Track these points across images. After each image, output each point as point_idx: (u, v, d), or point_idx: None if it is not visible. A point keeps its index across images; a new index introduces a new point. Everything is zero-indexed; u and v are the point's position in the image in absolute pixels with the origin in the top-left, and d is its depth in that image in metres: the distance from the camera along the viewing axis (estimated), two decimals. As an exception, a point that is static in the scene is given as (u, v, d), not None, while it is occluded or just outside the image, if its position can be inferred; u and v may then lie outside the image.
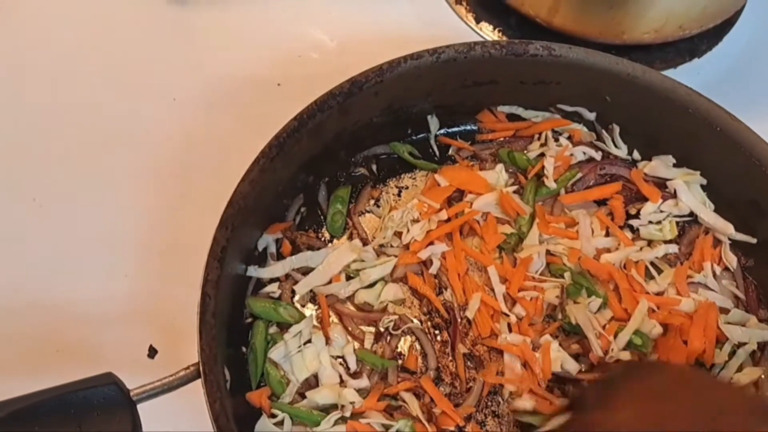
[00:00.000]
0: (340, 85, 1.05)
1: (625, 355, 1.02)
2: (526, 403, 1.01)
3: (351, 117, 1.09)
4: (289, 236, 1.11)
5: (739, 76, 1.36)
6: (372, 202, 1.16)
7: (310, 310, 1.08)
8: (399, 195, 1.17)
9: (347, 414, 0.99)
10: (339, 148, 1.13)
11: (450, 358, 1.06)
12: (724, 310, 1.07)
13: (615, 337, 1.03)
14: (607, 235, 1.12)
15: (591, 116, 1.17)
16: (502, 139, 1.20)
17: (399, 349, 1.06)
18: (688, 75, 1.35)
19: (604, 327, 1.03)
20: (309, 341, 1.04)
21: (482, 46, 1.09)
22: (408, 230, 1.10)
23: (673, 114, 1.09)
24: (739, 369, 1.04)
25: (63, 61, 1.34)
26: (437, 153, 1.20)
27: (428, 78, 1.11)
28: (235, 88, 1.33)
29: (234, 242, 0.98)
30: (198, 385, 0.88)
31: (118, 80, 1.33)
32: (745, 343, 1.04)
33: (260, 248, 1.09)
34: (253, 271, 1.07)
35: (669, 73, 1.34)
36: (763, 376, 1.03)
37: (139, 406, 0.87)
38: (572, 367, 1.03)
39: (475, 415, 1.03)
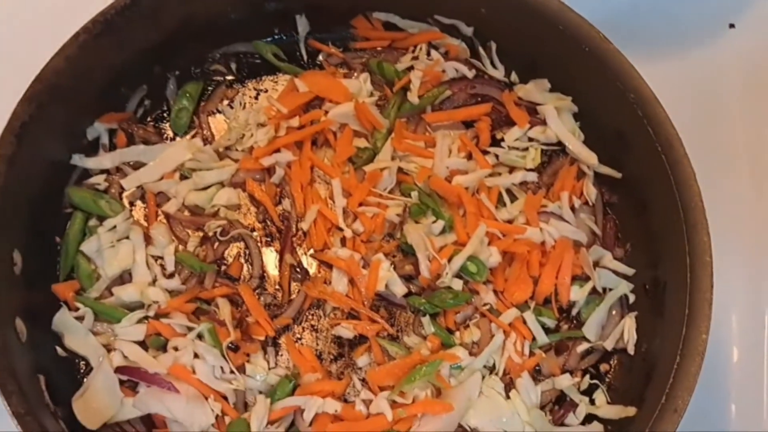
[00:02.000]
0: (183, -38, 0.97)
1: (458, 284, 0.96)
2: (345, 330, 0.96)
3: (199, 3, 1.01)
4: (125, 128, 1.04)
5: (650, 11, 1.26)
6: (226, 102, 1.09)
7: (138, 209, 1.02)
8: (256, 98, 1.10)
9: (151, 313, 0.94)
10: (190, 39, 1.05)
11: (277, 268, 1.00)
12: (578, 244, 1.00)
13: (449, 261, 0.96)
14: (470, 158, 1.05)
15: (468, 31, 1.08)
16: (377, 49, 1.12)
17: (226, 257, 1.00)
18: (595, 3, 1.25)
19: (441, 250, 0.97)
20: (126, 237, 0.98)
21: (350, -61, 1.01)
22: (252, 134, 1.04)
23: (546, 32, 1.00)
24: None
25: None
26: (305, 57, 1.12)
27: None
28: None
29: (45, 122, 0.92)
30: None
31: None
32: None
33: (90, 137, 1.02)
34: (78, 160, 1.00)
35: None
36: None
37: None
38: (399, 289, 0.97)
39: (293, 328, 0.97)
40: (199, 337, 0.93)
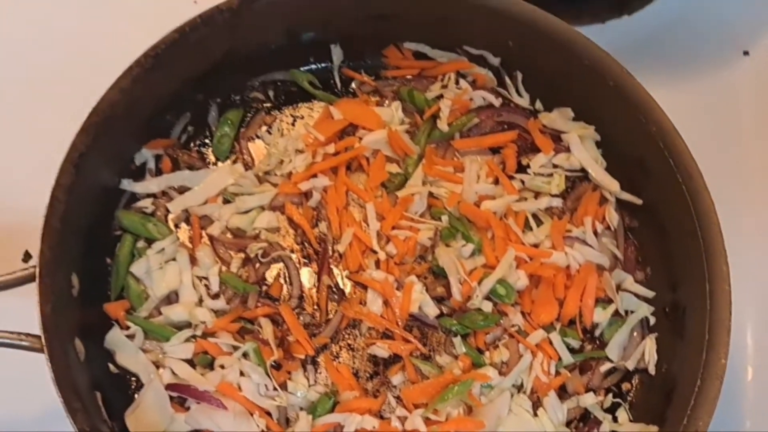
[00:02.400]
0: (229, 1, 1.02)
1: (487, 305, 1.01)
2: (380, 349, 1.01)
3: (243, 36, 1.06)
4: (171, 154, 1.09)
5: (668, 39, 1.31)
6: (265, 128, 1.14)
7: (183, 231, 1.07)
8: (293, 124, 1.15)
9: (198, 333, 0.99)
10: (232, 69, 1.10)
11: (315, 289, 1.05)
12: (601, 267, 1.06)
13: (479, 283, 1.01)
14: (497, 183, 1.10)
15: (495, 61, 1.13)
16: (407, 77, 1.17)
17: (267, 278, 1.06)
18: (615, 32, 1.30)
19: (471, 273, 1.02)
20: (173, 259, 1.03)
21: (379, -25, 1.06)
22: (291, 160, 1.09)
23: (571, 64, 1.05)
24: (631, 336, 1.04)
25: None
26: (339, 85, 1.17)
27: (328, 4, 1.08)
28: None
29: (99, 151, 0.97)
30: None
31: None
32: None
33: (138, 162, 1.07)
34: (127, 185, 1.06)
35: (596, 27, 1.30)
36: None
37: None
38: (431, 310, 1.02)
39: (330, 347, 1.03)
40: (244, 355, 0.98)
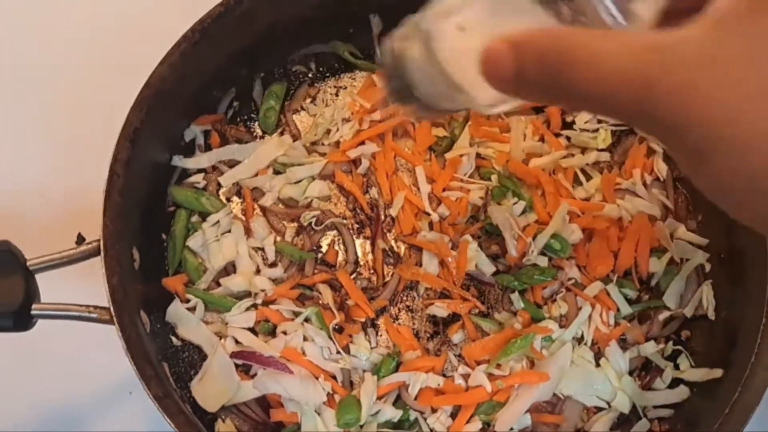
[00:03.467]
0: (271, -27, 1.03)
1: (543, 260, 1.02)
2: (439, 309, 1.01)
3: (284, 7, 1.07)
4: (218, 129, 1.11)
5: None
6: (309, 100, 1.15)
7: (235, 204, 1.08)
8: (337, 95, 1.16)
9: (259, 301, 1.00)
10: (274, 42, 1.11)
11: (370, 253, 1.06)
12: (653, 218, 1.06)
13: (534, 239, 1.02)
14: (542, 141, 1.11)
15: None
16: (446, 43, 1.17)
17: (320, 245, 1.07)
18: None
19: (524, 229, 1.02)
20: (228, 231, 1.04)
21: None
22: (338, 129, 1.10)
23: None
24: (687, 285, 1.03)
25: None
26: (379, 54, 1.17)
27: (365, -26, 1.09)
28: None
29: (152, 126, 0.97)
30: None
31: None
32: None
33: (187, 139, 1.09)
34: (178, 161, 1.07)
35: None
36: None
37: (45, 280, 0.89)
38: (487, 268, 1.02)
39: (389, 309, 1.03)
40: (306, 320, 0.99)
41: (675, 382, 0.99)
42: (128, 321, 0.88)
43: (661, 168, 1.08)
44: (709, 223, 1.06)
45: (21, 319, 0.84)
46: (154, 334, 0.96)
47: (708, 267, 1.04)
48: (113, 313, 0.87)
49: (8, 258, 0.84)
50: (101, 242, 0.88)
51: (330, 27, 1.14)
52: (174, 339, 1.01)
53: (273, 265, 1.04)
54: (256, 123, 1.13)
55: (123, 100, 0.97)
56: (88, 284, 0.93)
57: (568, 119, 1.12)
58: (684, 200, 1.08)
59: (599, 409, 0.99)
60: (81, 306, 0.88)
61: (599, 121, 1.11)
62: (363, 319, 1.01)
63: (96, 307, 0.88)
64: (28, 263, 0.86)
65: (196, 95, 1.06)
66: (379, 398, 0.96)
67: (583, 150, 1.10)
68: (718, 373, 0.96)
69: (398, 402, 0.98)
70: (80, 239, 1.12)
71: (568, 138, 1.10)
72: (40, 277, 0.89)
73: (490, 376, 0.97)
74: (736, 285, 0.99)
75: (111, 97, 0.98)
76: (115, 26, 1.25)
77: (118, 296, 0.87)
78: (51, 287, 0.91)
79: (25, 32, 1.26)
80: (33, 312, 0.85)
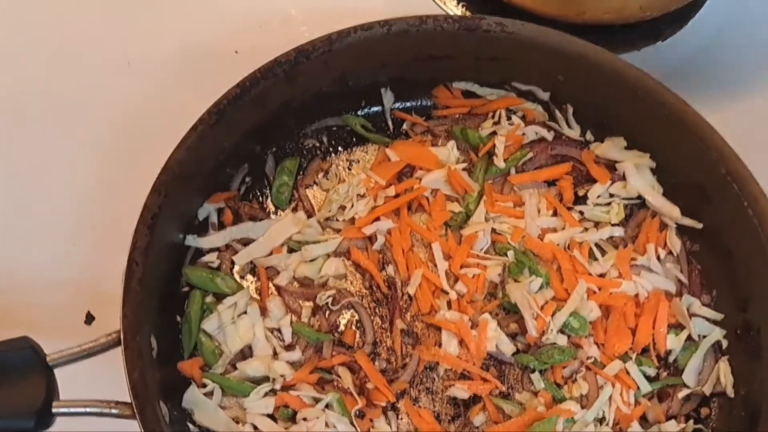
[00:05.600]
0: (287, 53, 1.03)
1: (562, 339, 1.02)
2: (460, 391, 1.00)
3: (299, 86, 1.07)
4: (232, 206, 1.09)
5: (702, 62, 1.33)
6: (321, 174, 1.15)
7: (249, 282, 1.07)
8: (349, 168, 1.16)
9: (278, 386, 0.99)
10: (287, 118, 1.11)
11: (388, 333, 1.05)
12: (668, 293, 1.06)
13: (552, 317, 1.01)
14: (555, 215, 1.11)
15: (545, 96, 1.15)
16: (456, 115, 1.18)
17: (338, 325, 1.05)
18: (651, 59, 1.32)
19: (542, 307, 1.02)
20: (244, 312, 1.03)
21: (434, 20, 1.07)
22: (352, 205, 1.09)
23: (624, 95, 1.07)
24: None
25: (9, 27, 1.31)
26: (391, 127, 1.18)
27: (380, 50, 1.09)
28: (191, 55, 1.31)
29: (169, 209, 0.97)
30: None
31: (70, 46, 1.30)
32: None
33: (201, 217, 1.07)
34: (192, 240, 1.05)
35: (632, 55, 1.32)
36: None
37: (61, 372, 0.87)
38: (507, 348, 1.02)
39: (409, 391, 1.02)
40: (327, 406, 0.97)
41: (697, 462, 0.99)
42: (150, 415, 0.86)
43: (675, 242, 1.09)
44: (723, 298, 1.07)
45: (42, 418, 0.82)
46: (172, 422, 0.94)
47: (725, 344, 1.04)
48: (135, 409, 0.85)
49: (29, 356, 0.82)
50: (121, 335, 0.87)
51: (342, 101, 1.15)
52: (191, 426, 0.98)
53: (290, 347, 1.02)
54: (269, 199, 1.12)
55: (137, 182, 0.97)
56: (107, 373, 0.91)
57: (580, 193, 1.13)
58: (698, 275, 1.09)
59: (624, 491, 0.98)
60: (102, 402, 0.86)
61: (611, 195, 1.12)
62: (384, 403, 0.99)
63: (117, 403, 0.86)
64: (48, 359, 0.84)
65: (210, 174, 1.06)
66: (402, 486, 0.95)
67: (597, 225, 1.11)
68: (739, 453, 0.96)
69: (422, 490, 0.96)
70: (89, 318, 1.10)
71: (581, 212, 1.11)
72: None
73: (514, 461, 0.96)
74: (754, 361, 1.00)
75: (127, 178, 0.98)
76: (131, 110, 1.24)
77: (140, 390, 0.86)
78: (67, 377, 0.89)
79: (38, 115, 1.24)
80: (54, 410, 0.83)
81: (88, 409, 0.85)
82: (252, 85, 1.01)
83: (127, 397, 0.86)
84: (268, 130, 1.10)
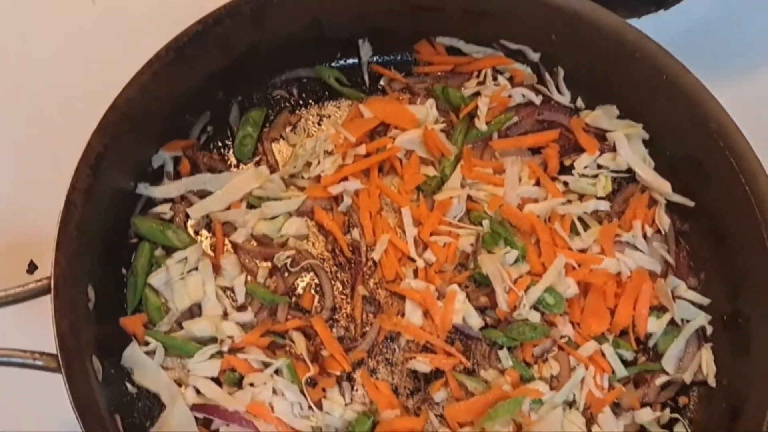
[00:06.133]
0: (255, -9, 0.95)
1: (535, 316, 0.94)
2: (421, 364, 0.94)
3: (268, 29, 0.99)
4: (190, 155, 1.02)
5: (706, 33, 1.25)
6: (289, 128, 1.07)
7: (204, 238, 1.00)
8: (320, 123, 1.08)
9: (225, 348, 0.92)
10: (254, 64, 1.03)
11: (349, 299, 0.98)
12: (653, 274, 0.99)
13: (526, 292, 0.94)
14: (538, 185, 1.04)
15: (535, 57, 1.07)
16: (439, 73, 1.10)
17: (295, 288, 0.98)
18: (652, 27, 1.22)
19: (516, 281, 0.95)
20: (195, 269, 0.95)
21: (422, -35, 1.00)
22: (319, 162, 1.02)
23: (620, 59, 0.99)
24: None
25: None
26: (367, 82, 1.10)
27: (355, -6, 1.01)
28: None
29: (117, 153, 0.89)
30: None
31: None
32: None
33: (155, 165, 1.00)
34: (143, 189, 0.98)
35: (631, 23, 1.23)
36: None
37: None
38: (475, 321, 0.95)
39: (367, 362, 0.95)
40: (276, 372, 0.90)
41: (670, 454, 0.93)
42: (78, 370, 0.80)
43: (663, 220, 1.01)
44: (712, 282, 1.00)
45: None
46: (106, 380, 0.87)
47: (710, 330, 0.97)
48: (61, 362, 0.78)
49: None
50: (52, 282, 0.79)
51: (316, 50, 1.07)
52: (129, 386, 0.92)
53: (242, 308, 0.95)
54: (231, 151, 1.05)
55: (89, 124, 0.89)
56: (40, 323, 0.84)
57: (567, 162, 1.05)
58: (686, 256, 1.02)
59: (589, 481, 0.91)
60: (25, 352, 0.79)
61: (599, 167, 1.04)
62: (338, 373, 0.92)
63: (42, 354, 0.79)
64: (-34, 303, 0.77)
65: (167, 119, 0.98)
66: (352, 461, 0.88)
67: (581, 197, 1.03)
68: (718, 447, 0.89)
69: (372, 466, 0.90)
70: (32, 267, 1.03)
71: (565, 183, 1.03)
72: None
73: (474, 441, 0.89)
74: (740, 352, 0.93)
75: (78, 119, 0.90)
76: (84, 45, 1.16)
77: (68, 343, 0.79)
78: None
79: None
80: (-30, 358, 0.76)
81: (9, 359, 0.78)
82: (215, 23, 0.93)
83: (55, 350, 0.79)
84: (234, 76, 1.02)
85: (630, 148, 1.03)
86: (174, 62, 0.92)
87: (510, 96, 1.07)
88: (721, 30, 1.26)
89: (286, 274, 0.98)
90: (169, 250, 0.97)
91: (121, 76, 0.91)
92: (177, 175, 1.01)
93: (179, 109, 0.99)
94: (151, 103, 0.92)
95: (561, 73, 1.07)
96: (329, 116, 1.08)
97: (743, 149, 0.91)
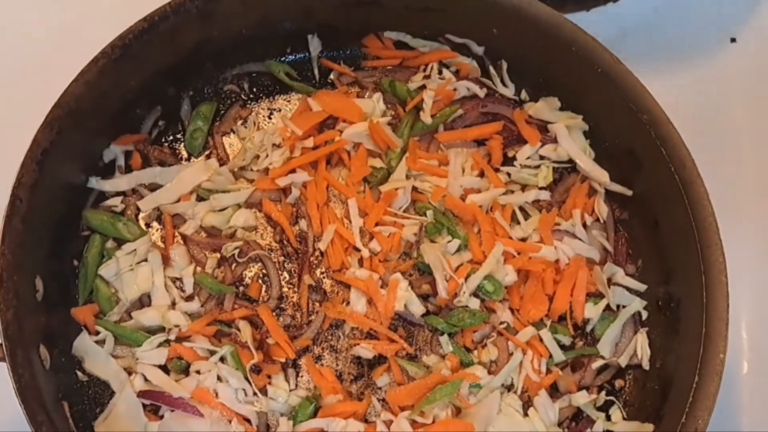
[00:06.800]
0: (201, -11, 0.98)
1: (474, 302, 0.97)
2: (365, 350, 0.96)
3: (216, 26, 1.01)
4: (141, 150, 1.04)
5: (654, 27, 1.28)
6: (240, 122, 1.09)
7: (154, 230, 1.02)
8: (270, 117, 1.10)
9: (172, 337, 0.94)
10: (204, 60, 1.06)
11: (295, 289, 1.01)
12: (591, 261, 1.02)
13: (466, 280, 0.97)
14: (482, 176, 1.06)
15: (479, 50, 1.09)
16: (387, 67, 1.12)
17: (243, 278, 1.01)
18: (601, 21, 1.26)
19: (457, 269, 0.98)
20: (145, 260, 0.98)
21: (358, -38, 1.02)
22: (267, 155, 1.04)
23: (558, 52, 1.01)
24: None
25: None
26: (317, 76, 1.13)
27: (301, -9, 1.03)
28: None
29: (64, 148, 0.92)
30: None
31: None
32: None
33: (106, 159, 1.02)
34: (94, 182, 1.01)
35: (581, 15, 1.26)
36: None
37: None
38: (417, 308, 0.98)
39: (312, 349, 0.98)
40: (221, 359, 0.93)
41: (606, 435, 0.96)
42: (22, 359, 0.82)
43: (602, 209, 1.04)
44: (649, 269, 1.03)
45: None
46: (56, 369, 0.90)
47: (645, 315, 1.00)
48: (5, 351, 0.80)
49: None
50: (-4, 273, 0.82)
51: (266, 46, 1.09)
52: (80, 374, 0.94)
53: (190, 298, 0.98)
54: (182, 144, 1.07)
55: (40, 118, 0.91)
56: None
57: (510, 154, 1.08)
58: (624, 243, 1.05)
59: (526, 461, 0.94)
60: (-31, 341, 0.81)
61: (541, 158, 1.07)
62: (283, 359, 0.95)
63: (-13, 343, 0.82)
64: None
65: (117, 113, 1.00)
66: (294, 445, 0.91)
67: (524, 187, 1.06)
68: (649, 428, 0.92)
69: (315, 449, 0.93)
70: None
71: (508, 174, 1.06)
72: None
73: (414, 424, 0.92)
74: (672, 334, 0.96)
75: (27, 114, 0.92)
76: (33, 39, 1.18)
77: (12, 332, 0.81)
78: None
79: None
80: None
81: (-46, 349, 0.80)
82: (161, 20, 0.95)
83: (1, 340, 0.82)
84: (183, 71, 1.04)
85: (570, 139, 1.06)
86: (120, 59, 0.94)
87: (455, 89, 1.09)
88: (671, 24, 1.29)
89: (234, 264, 1.01)
90: (120, 242, 0.99)
91: (72, 69, 0.93)
92: (128, 169, 1.03)
93: (129, 104, 1.01)
94: (98, 99, 0.94)
95: (505, 66, 1.09)
96: (280, 110, 1.11)
97: (673, 138, 0.94)
